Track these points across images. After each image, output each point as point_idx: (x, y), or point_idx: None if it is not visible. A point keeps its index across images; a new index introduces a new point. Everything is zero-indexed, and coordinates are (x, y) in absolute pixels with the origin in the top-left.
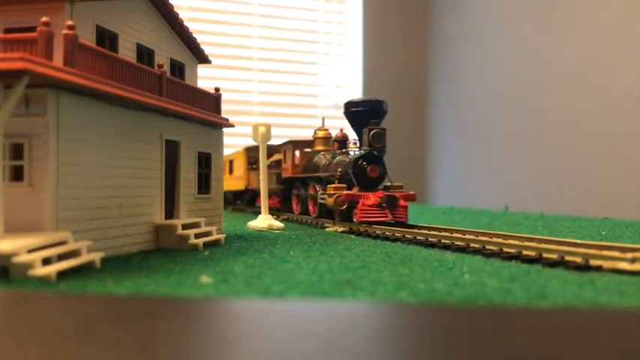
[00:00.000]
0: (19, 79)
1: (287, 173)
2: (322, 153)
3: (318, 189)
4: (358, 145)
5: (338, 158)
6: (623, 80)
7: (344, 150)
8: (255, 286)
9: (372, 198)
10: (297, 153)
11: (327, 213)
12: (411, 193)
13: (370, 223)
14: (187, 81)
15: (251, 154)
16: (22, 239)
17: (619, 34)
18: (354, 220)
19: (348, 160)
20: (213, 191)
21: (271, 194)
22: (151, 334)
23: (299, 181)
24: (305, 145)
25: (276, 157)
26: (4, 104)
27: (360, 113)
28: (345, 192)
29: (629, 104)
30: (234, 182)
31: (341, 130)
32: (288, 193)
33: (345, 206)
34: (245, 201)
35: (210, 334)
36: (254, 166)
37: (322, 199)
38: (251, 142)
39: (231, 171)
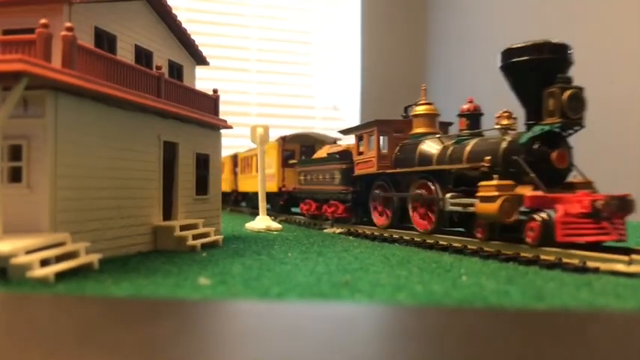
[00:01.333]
0: (17, 80)
1: (367, 168)
2: (428, 137)
3: (437, 190)
4: (527, 117)
5: (476, 142)
6: (624, 82)
7: (476, 131)
8: (253, 288)
9: (578, 202)
10: (383, 139)
11: (456, 225)
12: (628, 194)
13: (577, 244)
14: (185, 82)
15: (288, 146)
16: (20, 240)
17: (619, 35)
18: (529, 239)
19: (503, 142)
20: (211, 192)
21: (327, 199)
22: (151, 336)
23: (388, 179)
24: (395, 126)
25: (331, 148)
26: (3, 106)
27: (533, 65)
28: (518, 192)
29: (623, 107)
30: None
31: (470, 100)
32: (363, 197)
33: (516, 217)
34: (278, 206)
35: (209, 336)
36: (291, 162)
37: (459, 205)
38: (278, 133)
39: (246, 169)
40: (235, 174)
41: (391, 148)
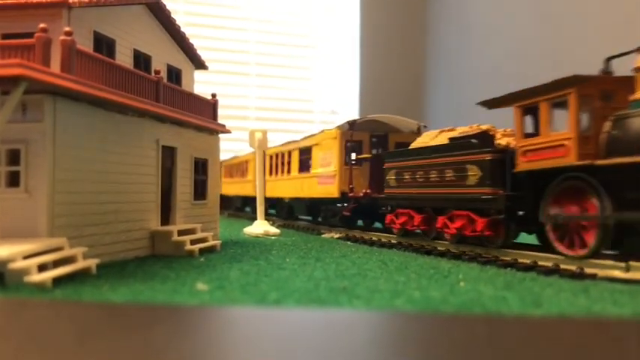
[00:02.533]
0: (16, 85)
1: (549, 158)
2: None
3: None
4: None
5: None
6: None
7: None
8: (251, 294)
9: None
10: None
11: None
12: None
13: None
14: (184, 87)
15: (354, 135)
16: (18, 245)
17: (620, 35)
18: None
19: None
20: (209, 197)
21: (446, 208)
22: (148, 342)
23: (601, 176)
24: (602, 87)
25: (451, 132)
26: (1, 110)
27: None
28: None
29: None
30: (308, 185)
31: None
32: (529, 206)
33: None
34: (340, 219)
35: (207, 342)
36: (358, 158)
37: None
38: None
39: (283, 168)
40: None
41: (597, 123)
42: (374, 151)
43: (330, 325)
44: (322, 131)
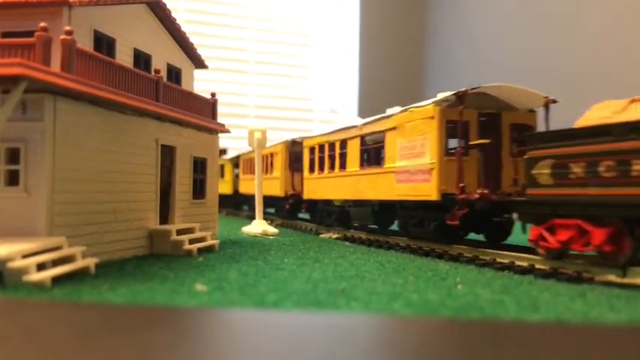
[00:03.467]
0: (16, 84)
1: None
2: None
3: None
4: None
5: None
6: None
7: None
8: (249, 295)
9: None
10: None
11: None
12: None
13: None
14: (184, 85)
15: (459, 113)
16: (16, 244)
17: (619, 33)
18: None
19: None
20: (208, 196)
21: None
22: (147, 344)
23: None
24: None
25: None
26: (2, 109)
27: None
28: None
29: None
30: (379, 184)
31: None
32: None
33: None
34: (442, 232)
35: (205, 344)
36: (473, 143)
37: None
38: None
39: (333, 163)
40: (292, 171)
41: None
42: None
43: (328, 328)
44: (406, 110)
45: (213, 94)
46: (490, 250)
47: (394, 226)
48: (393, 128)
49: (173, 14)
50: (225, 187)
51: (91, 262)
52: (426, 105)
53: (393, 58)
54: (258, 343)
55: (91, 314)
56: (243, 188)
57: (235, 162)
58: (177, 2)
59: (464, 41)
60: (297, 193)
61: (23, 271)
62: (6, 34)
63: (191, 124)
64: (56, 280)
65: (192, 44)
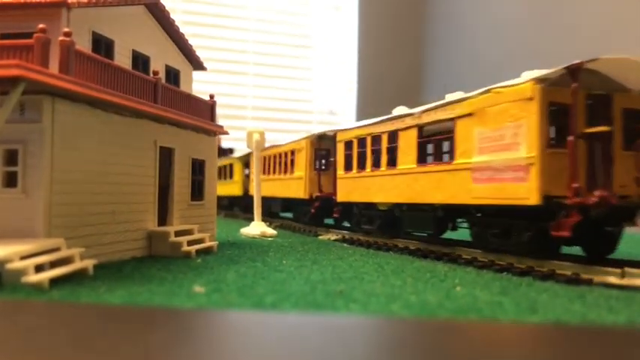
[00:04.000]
0: (14, 85)
1: None
2: None
3: None
4: None
5: None
6: None
7: None
8: (247, 297)
9: None
10: None
11: None
12: None
13: None
14: (182, 87)
15: (567, 92)
16: (15, 246)
17: (618, 29)
18: None
19: None
20: (206, 198)
21: None
22: (145, 346)
23: None
24: None
25: None
26: (0, 110)
27: None
28: None
29: None
30: (444, 184)
31: None
32: None
33: None
34: (537, 245)
35: (203, 346)
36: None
37: None
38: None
39: (378, 160)
40: (319, 170)
41: None
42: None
43: (326, 329)
44: (488, 90)
45: (211, 96)
46: (489, 252)
47: (449, 235)
48: (468, 115)
49: (171, 16)
50: (234, 189)
51: (89, 263)
52: (521, 83)
53: (391, 59)
54: (256, 344)
55: (89, 316)
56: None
57: (246, 161)
58: (175, 4)
59: (462, 43)
60: (325, 196)
61: (21, 272)
62: (4, 36)
63: (189, 125)
64: (54, 281)
65: (191, 46)
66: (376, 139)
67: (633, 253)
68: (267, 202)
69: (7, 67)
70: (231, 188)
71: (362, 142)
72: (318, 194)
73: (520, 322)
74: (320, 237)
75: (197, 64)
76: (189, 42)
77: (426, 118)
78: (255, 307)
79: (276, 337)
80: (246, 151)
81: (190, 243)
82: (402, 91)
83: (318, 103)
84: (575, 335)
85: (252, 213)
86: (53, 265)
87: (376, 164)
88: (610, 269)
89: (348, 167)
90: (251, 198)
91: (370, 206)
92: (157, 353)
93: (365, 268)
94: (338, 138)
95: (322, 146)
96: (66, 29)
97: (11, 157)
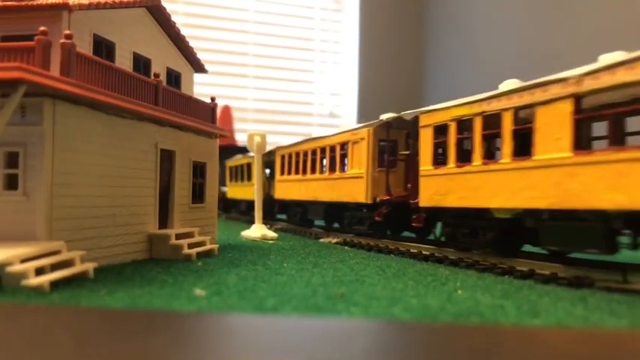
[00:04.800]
0: (15, 88)
1: None
2: None
3: None
4: None
5: None
6: None
7: None
8: (248, 300)
9: None
10: None
11: None
12: None
13: None
14: (183, 90)
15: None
16: (15, 248)
17: (621, 36)
18: None
19: None
20: (207, 200)
21: None
22: (146, 349)
23: None
24: None
25: None
26: (1, 113)
27: None
28: None
29: None
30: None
31: None
32: None
33: None
34: None
35: (204, 349)
36: None
37: None
38: None
39: (487, 150)
40: (387, 167)
41: None
42: None
43: (327, 333)
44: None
45: (212, 98)
46: (490, 255)
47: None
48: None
49: (173, 18)
50: (252, 192)
51: (89, 266)
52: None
53: (392, 62)
54: (256, 347)
55: (90, 319)
56: (282, 193)
57: (267, 160)
58: (176, 5)
59: (463, 47)
60: (395, 199)
61: (22, 275)
62: (6, 38)
63: (190, 128)
64: (55, 284)
65: (192, 48)
66: (491, 119)
67: (636, 256)
68: (297, 206)
69: (8, 69)
70: (250, 191)
71: (464, 125)
72: (387, 197)
73: (522, 326)
74: (321, 240)
75: (198, 67)
76: (191, 44)
77: (593, 84)
78: (256, 310)
79: (277, 341)
80: (267, 149)
81: (191, 246)
82: (403, 93)
83: (318, 106)
84: (577, 338)
85: (275, 218)
86: (54, 268)
87: (490, 155)
88: (612, 272)
89: (438, 161)
90: (274, 202)
91: (471, 213)
92: (157, 356)
93: (366, 271)
94: (422, 122)
95: (389, 137)
96: (67, 31)
97: (12, 160)
